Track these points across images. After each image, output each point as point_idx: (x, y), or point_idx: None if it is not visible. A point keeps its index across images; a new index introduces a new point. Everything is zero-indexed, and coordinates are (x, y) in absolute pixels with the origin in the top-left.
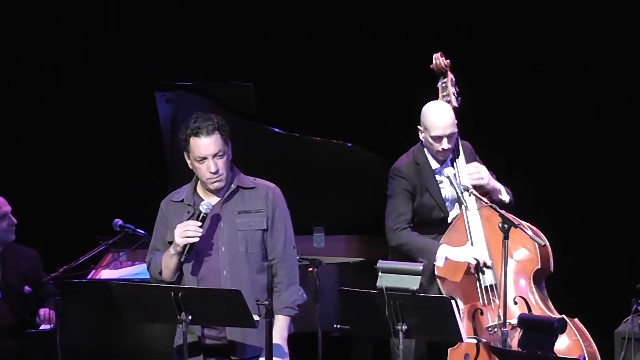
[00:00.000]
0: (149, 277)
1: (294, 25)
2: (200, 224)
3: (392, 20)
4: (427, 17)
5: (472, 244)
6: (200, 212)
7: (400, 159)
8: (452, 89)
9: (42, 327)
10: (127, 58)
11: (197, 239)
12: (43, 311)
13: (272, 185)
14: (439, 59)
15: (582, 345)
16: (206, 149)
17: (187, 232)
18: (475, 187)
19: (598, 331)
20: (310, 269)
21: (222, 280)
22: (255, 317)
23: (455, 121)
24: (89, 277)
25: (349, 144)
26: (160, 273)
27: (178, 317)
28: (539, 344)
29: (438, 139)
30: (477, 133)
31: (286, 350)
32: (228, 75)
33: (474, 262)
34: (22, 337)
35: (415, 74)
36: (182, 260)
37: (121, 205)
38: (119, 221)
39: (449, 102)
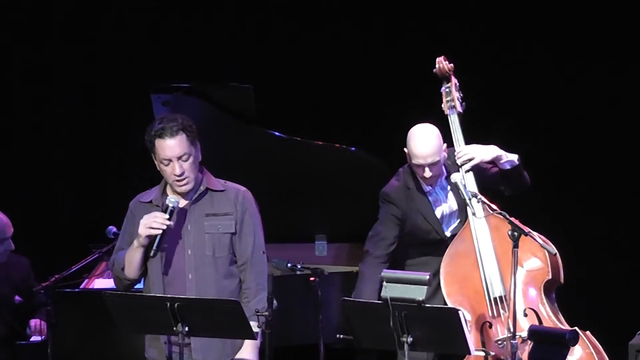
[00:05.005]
0: (142, 286)
1: (295, 26)
2: (167, 216)
3: (397, 23)
4: (432, 20)
5: (479, 254)
6: (168, 206)
7: (390, 183)
8: (456, 94)
9: (33, 338)
10: (122, 59)
11: (160, 232)
12: (34, 322)
13: (243, 188)
14: (442, 63)
15: (596, 358)
16: (171, 151)
17: (152, 223)
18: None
19: (611, 344)
20: (312, 279)
21: (188, 284)
22: (255, 329)
23: (442, 147)
24: (81, 286)
25: (353, 148)
26: (123, 269)
27: (174, 328)
28: (550, 356)
29: (419, 167)
30: (481, 139)
31: None
32: (227, 76)
33: None
34: (12, 349)
35: (420, 77)
36: (150, 255)
37: (115, 212)
38: (112, 228)
39: (453, 107)
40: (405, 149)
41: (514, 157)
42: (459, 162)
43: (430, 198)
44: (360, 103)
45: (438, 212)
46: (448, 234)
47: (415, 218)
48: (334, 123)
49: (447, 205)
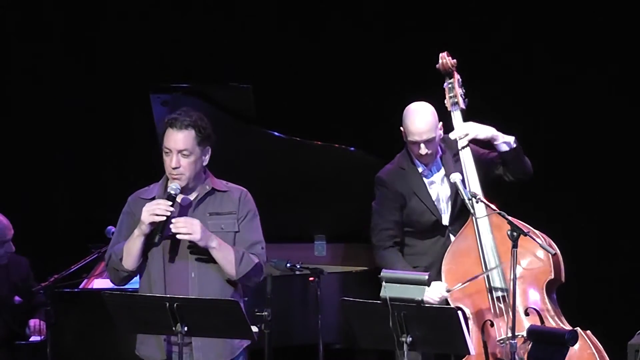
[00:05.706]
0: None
1: (295, 26)
2: (170, 203)
3: (396, 20)
4: (431, 17)
5: (482, 252)
6: (170, 193)
7: (384, 167)
8: (459, 90)
9: (32, 338)
10: (121, 59)
11: (164, 218)
12: (33, 322)
13: (244, 189)
14: (445, 59)
15: (597, 358)
16: (174, 143)
17: (156, 209)
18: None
19: (610, 343)
20: (311, 279)
21: (190, 283)
22: (254, 329)
23: (438, 125)
24: (80, 286)
25: (352, 148)
26: (121, 260)
27: (173, 328)
28: (549, 356)
29: (415, 144)
30: None
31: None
32: (227, 76)
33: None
34: (12, 349)
35: (420, 75)
36: (155, 241)
37: (114, 212)
38: (112, 229)
39: (456, 103)
40: (401, 128)
41: (511, 139)
42: (452, 136)
43: (425, 178)
44: (360, 103)
45: (433, 193)
46: (445, 222)
47: (409, 199)
48: (333, 123)
49: (442, 188)
